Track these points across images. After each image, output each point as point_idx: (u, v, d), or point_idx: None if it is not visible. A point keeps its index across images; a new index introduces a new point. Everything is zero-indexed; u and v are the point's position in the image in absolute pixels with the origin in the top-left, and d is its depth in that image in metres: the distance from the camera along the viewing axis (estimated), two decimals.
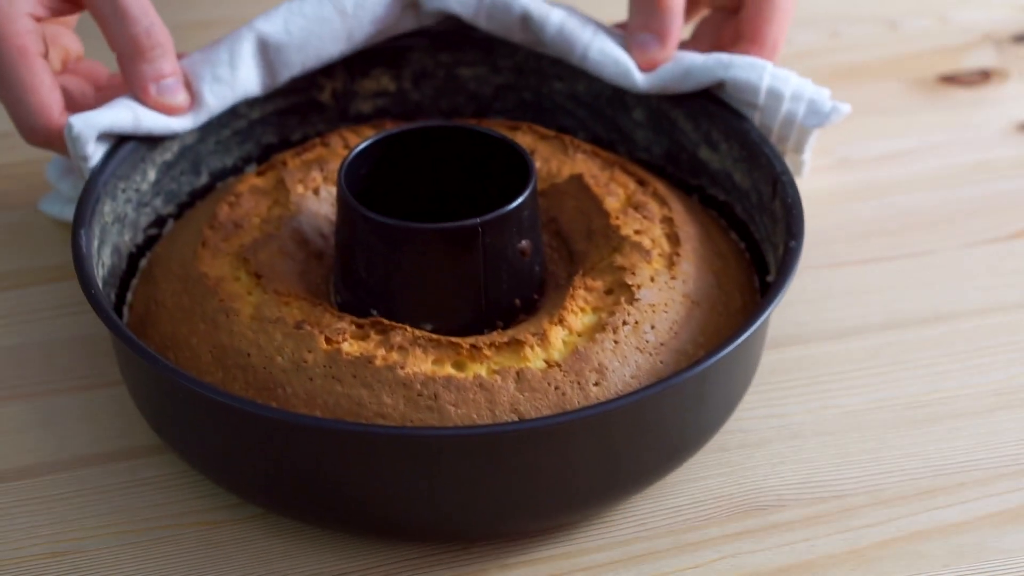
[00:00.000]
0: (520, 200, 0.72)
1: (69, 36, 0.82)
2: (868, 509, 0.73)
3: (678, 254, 0.75)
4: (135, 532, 0.72)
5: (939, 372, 0.79)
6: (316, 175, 0.80)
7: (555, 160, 0.81)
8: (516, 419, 0.69)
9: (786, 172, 0.76)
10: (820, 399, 0.78)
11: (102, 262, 0.76)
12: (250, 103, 0.83)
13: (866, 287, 0.84)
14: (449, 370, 0.69)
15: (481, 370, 0.70)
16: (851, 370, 0.80)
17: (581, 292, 0.73)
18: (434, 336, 0.70)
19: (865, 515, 0.73)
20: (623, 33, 0.83)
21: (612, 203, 0.78)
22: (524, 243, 0.73)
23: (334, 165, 0.80)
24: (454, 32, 0.85)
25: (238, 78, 0.80)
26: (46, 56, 0.77)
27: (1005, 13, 1.04)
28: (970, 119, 0.96)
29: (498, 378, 0.69)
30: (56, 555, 0.71)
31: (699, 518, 0.73)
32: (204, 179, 0.83)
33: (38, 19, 0.77)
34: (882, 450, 0.75)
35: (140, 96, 0.78)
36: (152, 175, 0.80)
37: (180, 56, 0.81)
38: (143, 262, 0.80)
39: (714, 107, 0.81)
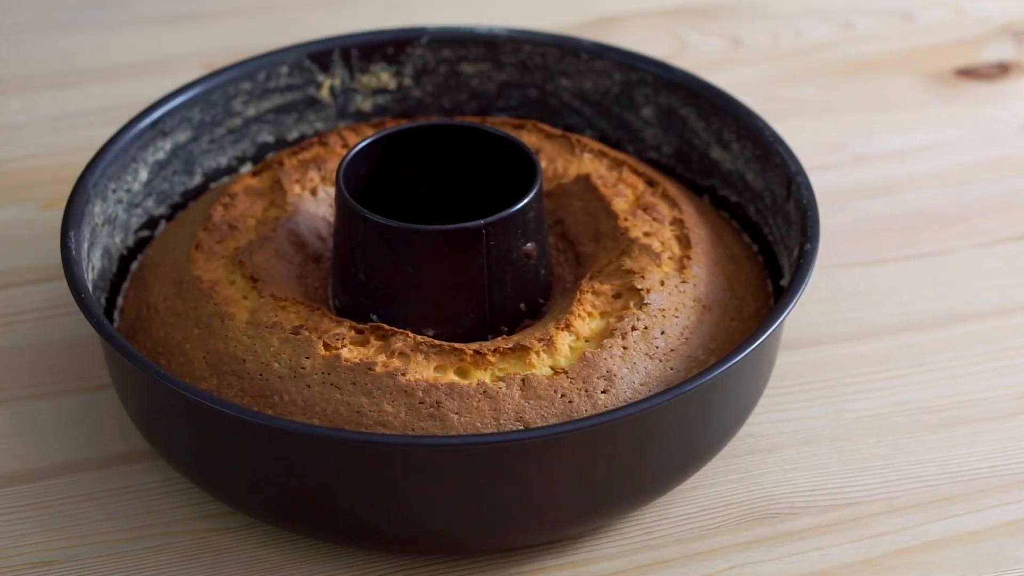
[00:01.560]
0: (525, 201, 0.72)
1: None
2: (882, 517, 0.73)
3: (689, 257, 0.75)
4: (128, 540, 0.72)
5: (956, 375, 0.79)
6: (314, 175, 0.79)
7: (561, 160, 0.80)
8: (521, 428, 0.69)
9: (801, 172, 0.76)
10: (833, 403, 0.78)
11: (92, 265, 0.75)
12: (245, 100, 0.83)
13: (879, 287, 0.84)
14: (452, 377, 0.69)
15: (485, 377, 0.69)
16: (865, 373, 0.79)
17: (588, 296, 0.73)
18: (436, 342, 0.70)
19: (879, 523, 0.72)
20: None
21: (620, 204, 0.77)
22: (529, 246, 0.73)
23: (332, 165, 0.80)
24: (456, 27, 0.85)
25: None
26: None
27: None
28: (987, 114, 0.96)
29: (503, 385, 0.69)
30: (47, 564, 0.71)
31: (708, 526, 0.72)
32: (197, 179, 0.83)
33: None
34: (897, 456, 0.75)
35: None
36: (143, 175, 0.80)
37: None
38: (134, 265, 0.80)
39: (726, 105, 0.80)
